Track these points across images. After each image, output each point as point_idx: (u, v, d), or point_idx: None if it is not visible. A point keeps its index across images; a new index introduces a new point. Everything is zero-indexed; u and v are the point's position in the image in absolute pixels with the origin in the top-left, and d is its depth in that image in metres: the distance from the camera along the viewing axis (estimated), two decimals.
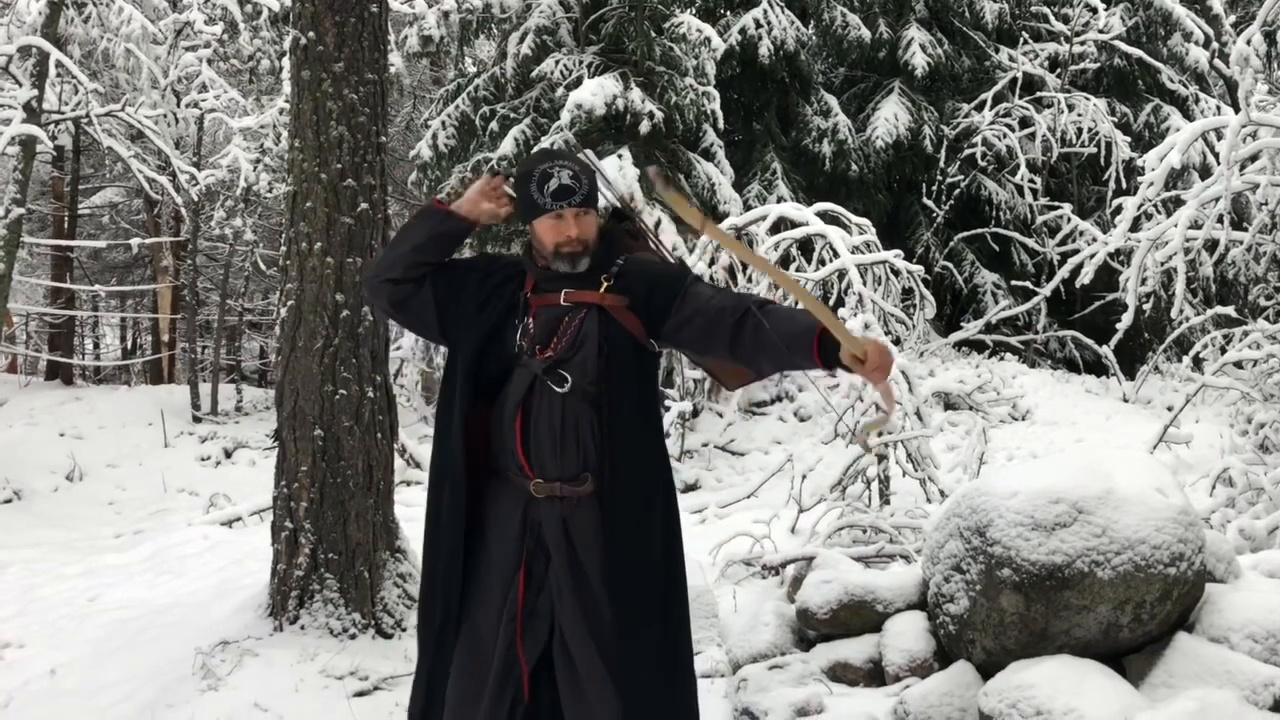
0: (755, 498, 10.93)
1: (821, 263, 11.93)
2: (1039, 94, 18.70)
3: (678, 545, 3.75)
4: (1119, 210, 12.19)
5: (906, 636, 5.57)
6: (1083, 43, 19.08)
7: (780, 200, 15.90)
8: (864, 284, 11.13)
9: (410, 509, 9.82)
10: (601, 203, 3.73)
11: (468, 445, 3.66)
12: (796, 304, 3.64)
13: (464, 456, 3.65)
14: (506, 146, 15.38)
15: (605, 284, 3.62)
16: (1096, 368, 16.99)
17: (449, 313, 3.73)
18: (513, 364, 3.64)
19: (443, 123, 16.87)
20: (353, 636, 6.27)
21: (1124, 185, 16.98)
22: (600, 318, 3.60)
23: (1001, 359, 16.66)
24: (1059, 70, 19.15)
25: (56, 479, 14.57)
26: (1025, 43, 19.69)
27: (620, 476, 3.57)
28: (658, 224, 13.97)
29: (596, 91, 14.32)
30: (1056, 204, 17.98)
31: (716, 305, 3.51)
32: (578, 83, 14.94)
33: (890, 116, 18.41)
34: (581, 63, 15.44)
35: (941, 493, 9.18)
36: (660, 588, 3.66)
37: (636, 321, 3.60)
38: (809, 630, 6.03)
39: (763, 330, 3.41)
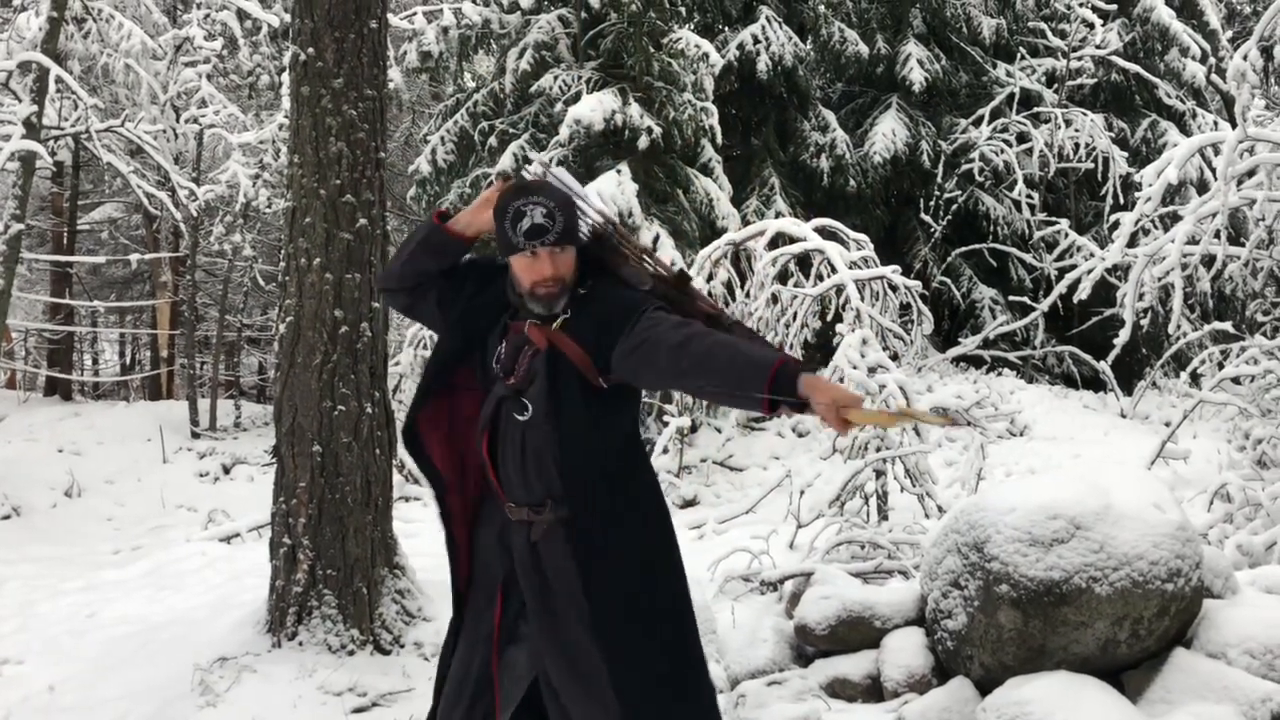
0: (754, 513, 10.93)
1: (819, 278, 11.95)
2: (1036, 109, 18.74)
3: (666, 567, 3.67)
4: (1116, 226, 12.22)
5: (905, 652, 5.58)
6: (1080, 58, 19.12)
7: (778, 215, 15.92)
8: (862, 299, 11.15)
9: (409, 525, 9.86)
10: (584, 228, 3.65)
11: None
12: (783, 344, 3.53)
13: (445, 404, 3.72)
14: (505, 162, 15.40)
15: (562, 318, 3.56)
16: (1094, 383, 16.99)
17: (449, 315, 3.75)
18: (491, 384, 3.65)
19: (441, 138, 16.91)
20: (351, 653, 6.27)
21: (1121, 201, 17.01)
22: (550, 352, 3.54)
23: (999, 374, 16.66)
24: (1056, 86, 19.19)
25: (55, 495, 14.56)
26: (1023, 58, 19.73)
27: (586, 506, 3.53)
28: (655, 239, 13.99)
29: (595, 107, 14.34)
30: (1054, 219, 18.00)
31: (660, 334, 3.36)
32: (576, 98, 14.96)
33: (888, 132, 18.44)
34: (580, 78, 15.47)
35: (939, 508, 9.18)
36: (647, 610, 3.59)
37: (585, 358, 3.50)
38: (807, 646, 6.04)
39: (706, 358, 3.25)
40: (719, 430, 14.23)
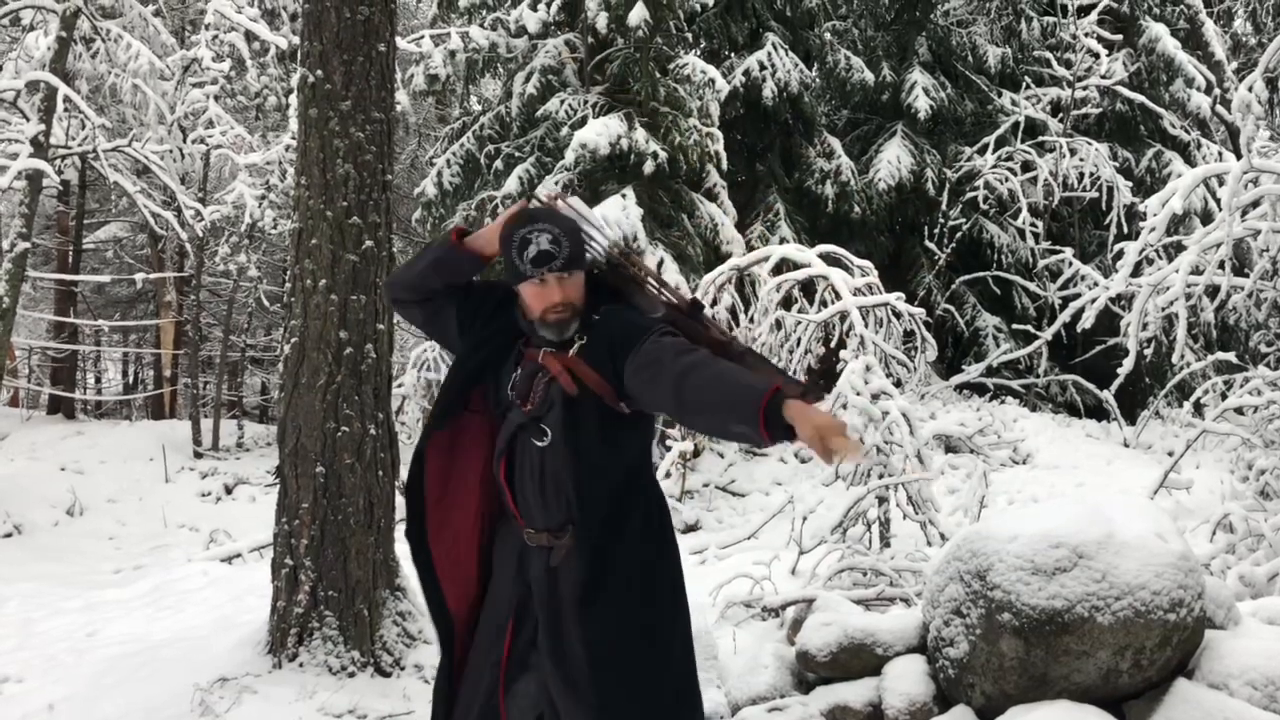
0: (756, 539, 10.92)
1: (824, 304, 11.96)
2: (1041, 138, 18.74)
3: (670, 594, 3.68)
4: (1120, 255, 12.21)
5: (906, 680, 5.56)
6: (1085, 88, 19.14)
7: (783, 241, 15.94)
8: (866, 326, 11.16)
9: None
10: (591, 250, 3.65)
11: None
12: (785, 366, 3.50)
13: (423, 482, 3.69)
14: (511, 185, 15.44)
15: (578, 344, 3.57)
16: (1098, 412, 16.97)
17: (465, 336, 3.75)
18: (507, 410, 3.66)
19: (448, 161, 16.95)
20: (351, 675, 6.26)
21: (1125, 230, 17.00)
22: (571, 378, 3.55)
23: (1002, 402, 16.65)
24: (1061, 115, 19.21)
25: (57, 513, 14.58)
26: (1028, 87, 19.75)
27: (602, 529, 3.55)
28: (660, 264, 14.00)
29: (601, 131, 14.38)
30: (1058, 248, 17.98)
31: (664, 362, 3.36)
32: (582, 122, 15.00)
33: (893, 159, 18.46)
34: (586, 102, 15.51)
35: (942, 536, 9.17)
36: (649, 638, 3.60)
37: (603, 384, 3.52)
38: (808, 673, 6.02)
39: (704, 389, 3.24)
40: (721, 455, 14.23)
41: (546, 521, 3.59)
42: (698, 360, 3.31)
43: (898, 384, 11.38)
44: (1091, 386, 16.76)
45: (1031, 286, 18.27)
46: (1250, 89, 9.42)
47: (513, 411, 3.63)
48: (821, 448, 3.02)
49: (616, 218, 13.52)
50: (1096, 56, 18.92)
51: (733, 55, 18.62)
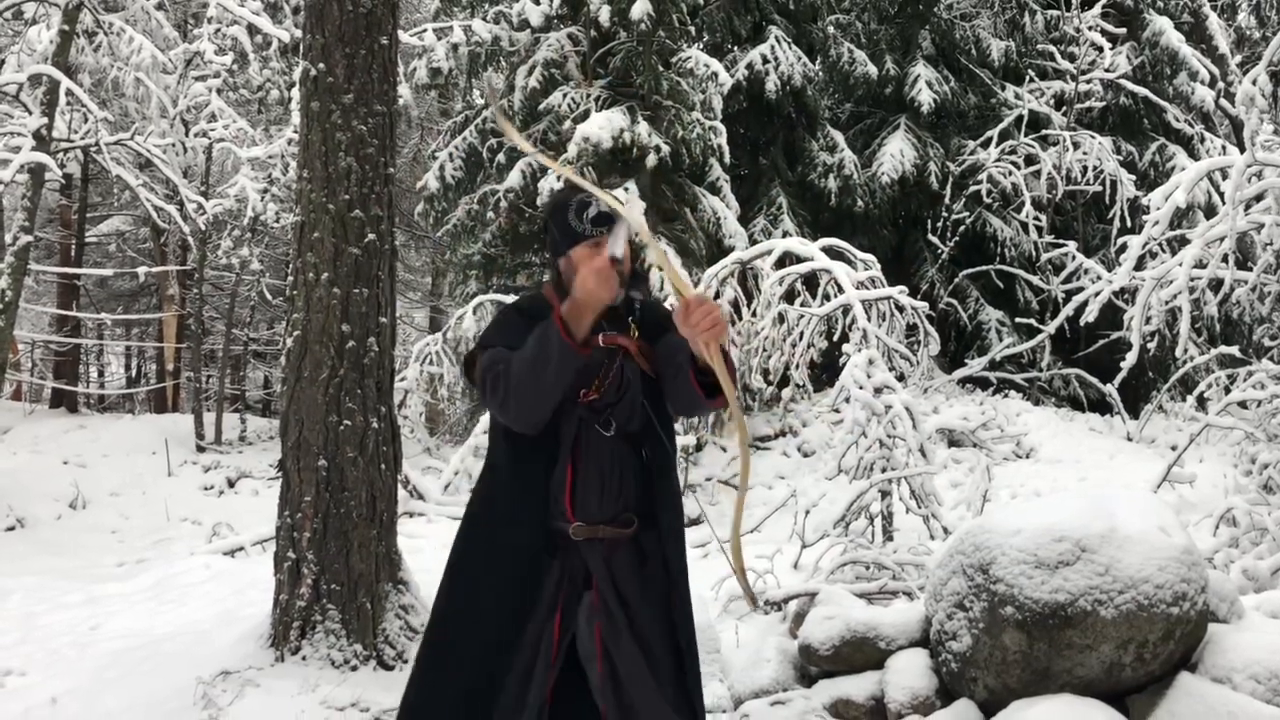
0: (758, 533, 10.92)
1: (826, 298, 11.96)
2: (1044, 132, 18.72)
3: (688, 584, 3.74)
4: (1124, 249, 12.20)
5: (909, 674, 5.56)
6: (1089, 81, 19.11)
7: (786, 235, 15.92)
8: (868, 319, 11.15)
9: (413, 540, 9.85)
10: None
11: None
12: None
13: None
14: (513, 179, 15.45)
15: (634, 326, 3.59)
16: (1100, 406, 16.95)
17: None
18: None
19: (450, 155, 16.96)
20: (354, 668, 6.26)
21: (1129, 224, 16.98)
22: (634, 361, 3.58)
23: (1005, 396, 16.63)
24: (1065, 108, 19.19)
25: (60, 507, 14.58)
26: (1031, 81, 19.72)
27: (661, 516, 3.59)
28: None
29: (604, 125, 14.37)
30: (1061, 242, 17.96)
31: (674, 344, 3.44)
32: (585, 116, 14.99)
33: (896, 152, 18.44)
34: (589, 96, 15.50)
35: (945, 530, 9.16)
36: (682, 626, 3.65)
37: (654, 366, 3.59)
38: (811, 666, 6.02)
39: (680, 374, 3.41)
40: (724, 449, 14.22)
41: (604, 513, 3.57)
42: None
43: (901, 378, 11.38)
44: (1095, 380, 16.75)
45: (1035, 280, 18.26)
46: (1254, 82, 9.40)
47: (564, 408, 3.54)
48: (700, 326, 3.25)
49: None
50: (1100, 50, 18.89)
51: (736, 49, 18.61)
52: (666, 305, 3.77)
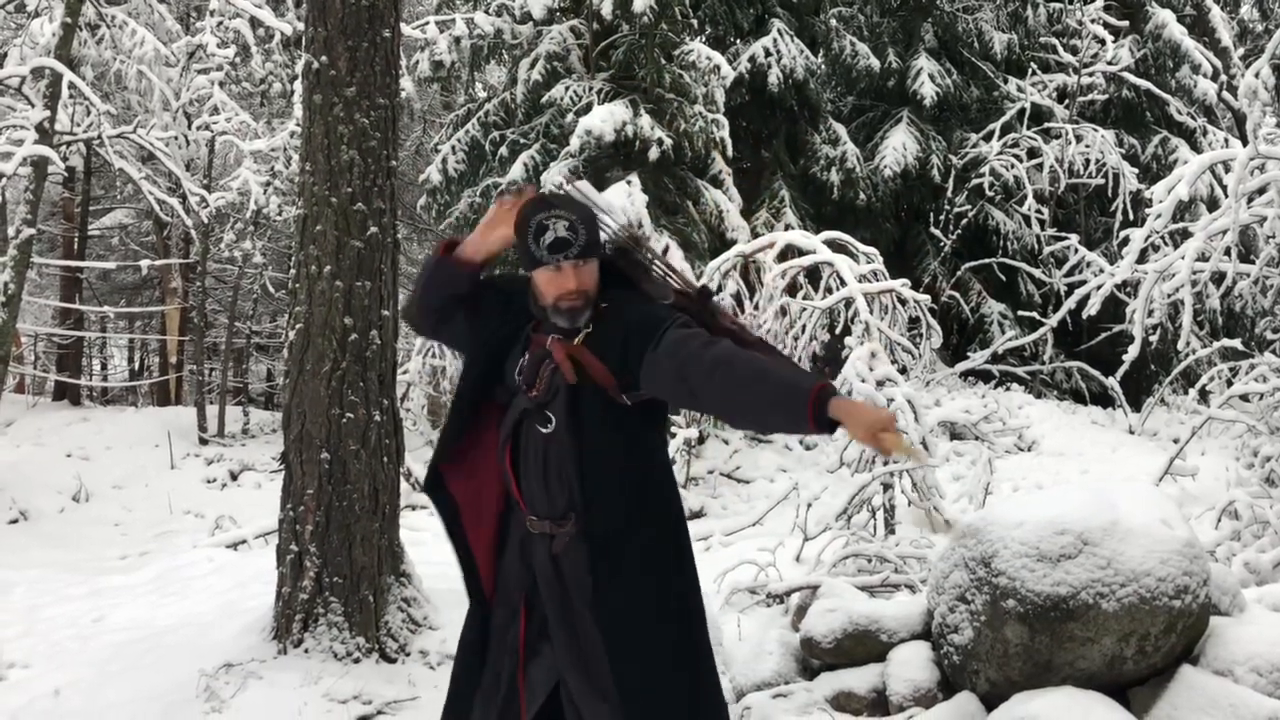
0: (760, 525, 10.92)
1: (829, 291, 11.94)
2: (1047, 125, 18.72)
3: (681, 584, 3.68)
4: (1126, 242, 12.18)
5: (911, 666, 5.56)
6: (1091, 74, 19.11)
7: (788, 228, 15.92)
8: (871, 312, 11.14)
9: (416, 533, 9.85)
10: (604, 236, 3.64)
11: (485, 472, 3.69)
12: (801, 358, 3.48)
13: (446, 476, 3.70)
14: (516, 172, 15.44)
15: (583, 333, 3.56)
16: (1103, 399, 16.96)
17: (477, 337, 3.75)
18: (511, 397, 3.65)
19: (452, 147, 16.94)
20: (357, 660, 6.26)
21: (1131, 217, 16.99)
22: (572, 367, 3.54)
23: (1008, 389, 16.65)
24: (1067, 101, 19.19)
25: (63, 499, 14.60)
26: (1034, 73, 19.72)
27: (605, 519, 3.53)
28: (665, 249, 13.98)
29: (606, 118, 14.37)
30: (1063, 235, 17.96)
31: (690, 353, 3.36)
32: (587, 109, 14.99)
33: (898, 145, 18.46)
34: (591, 89, 15.50)
35: (947, 523, 9.16)
36: (663, 629, 3.60)
37: (607, 375, 3.51)
38: (813, 659, 6.03)
39: (743, 386, 3.28)
40: (726, 442, 14.23)
41: (549, 509, 3.58)
42: (726, 354, 3.34)
43: (903, 370, 11.37)
44: (1097, 373, 16.77)
45: (1037, 273, 18.27)
46: (1257, 75, 9.41)
47: (518, 397, 3.62)
48: (876, 444, 3.15)
49: (622, 204, 13.51)
50: (1103, 42, 18.90)
51: (738, 41, 18.60)
52: (683, 282, 3.68)
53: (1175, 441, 12.13)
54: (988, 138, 18.53)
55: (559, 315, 3.55)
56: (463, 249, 3.71)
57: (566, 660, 3.57)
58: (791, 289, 12.12)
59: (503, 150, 16.32)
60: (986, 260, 18.44)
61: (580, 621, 3.55)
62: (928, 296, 12.37)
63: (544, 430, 3.57)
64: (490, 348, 3.70)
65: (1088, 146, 18.18)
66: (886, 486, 9.43)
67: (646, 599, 3.57)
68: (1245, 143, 10.12)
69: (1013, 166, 18.14)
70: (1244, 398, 10.60)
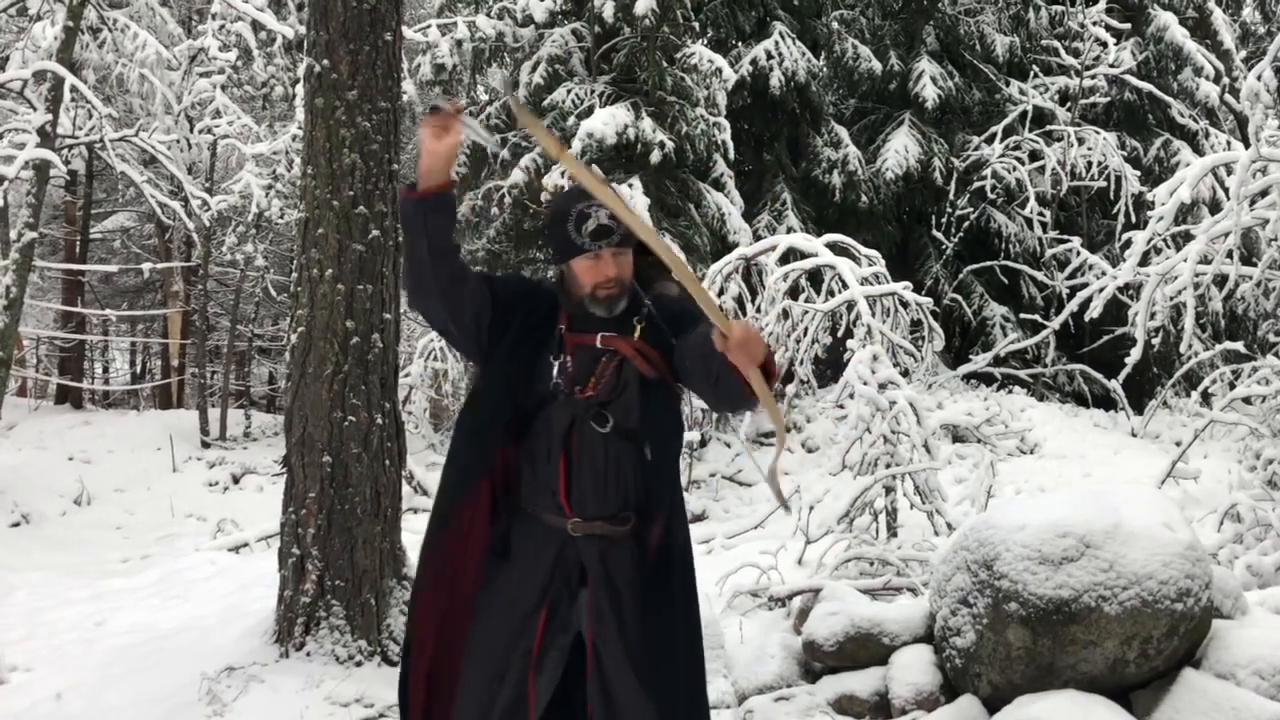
0: (762, 528, 10.91)
1: (831, 294, 11.95)
2: (1049, 127, 18.71)
3: (695, 581, 3.72)
4: (1128, 244, 12.17)
5: (913, 669, 5.56)
6: (1093, 76, 19.09)
7: (790, 231, 15.93)
8: (873, 315, 11.14)
9: (418, 536, 9.84)
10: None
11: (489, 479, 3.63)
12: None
13: (487, 484, 3.61)
14: (517, 175, 15.44)
15: (638, 328, 3.56)
16: (1105, 402, 16.95)
17: (493, 335, 3.65)
18: (546, 401, 3.57)
19: None
20: (358, 664, 6.26)
21: (1133, 219, 16.98)
22: (632, 363, 3.55)
23: (1010, 392, 16.62)
24: (1069, 104, 19.17)
25: (65, 503, 14.60)
26: (1036, 76, 19.72)
27: (659, 514, 3.55)
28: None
29: (608, 121, 14.38)
30: (1066, 237, 17.93)
31: (702, 334, 3.37)
32: (589, 112, 15.00)
33: (900, 148, 18.45)
34: (593, 92, 15.51)
35: (949, 525, 9.15)
36: (684, 623, 3.63)
37: (665, 365, 3.55)
38: (815, 662, 6.03)
39: (729, 372, 3.28)
40: (728, 445, 14.24)
41: (600, 510, 3.55)
42: (696, 334, 3.41)
43: (905, 373, 11.37)
44: (1099, 376, 16.75)
45: (1039, 276, 18.26)
46: (1259, 78, 9.39)
47: (559, 401, 3.56)
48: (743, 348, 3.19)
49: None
50: (1105, 45, 18.86)
51: (740, 44, 18.61)
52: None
53: (1177, 444, 12.11)
54: (990, 140, 18.51)
55: (596, 304, 3.55)
56: (423, 181, 3.54)
57: (618, 668, 3.52)
58: (793, 292, 12.13)
59: (504, 153, 16.33)
60: (989, 263, 18.43)
61: (629, 619, 3.53)
62: (930, 299, 12.37)
63: (601, 430, 3.53)
64: (521, 358, 3.61)
65: (1090, 149, 18.16)
66: (889, 489, 9.42)
67: (684, 594, 3.63)
68: (1247, 145, 10.10)
69: (1015, 169, 18.12)
70: (1246, 400, 10.58)
